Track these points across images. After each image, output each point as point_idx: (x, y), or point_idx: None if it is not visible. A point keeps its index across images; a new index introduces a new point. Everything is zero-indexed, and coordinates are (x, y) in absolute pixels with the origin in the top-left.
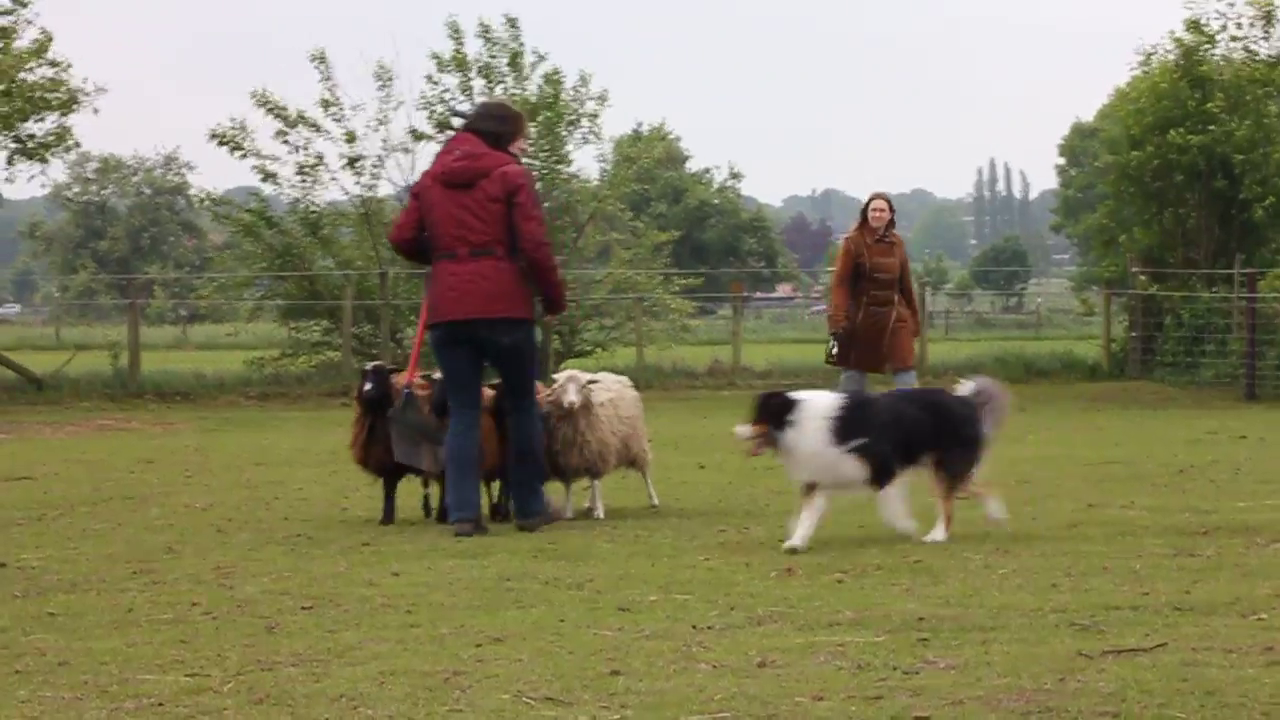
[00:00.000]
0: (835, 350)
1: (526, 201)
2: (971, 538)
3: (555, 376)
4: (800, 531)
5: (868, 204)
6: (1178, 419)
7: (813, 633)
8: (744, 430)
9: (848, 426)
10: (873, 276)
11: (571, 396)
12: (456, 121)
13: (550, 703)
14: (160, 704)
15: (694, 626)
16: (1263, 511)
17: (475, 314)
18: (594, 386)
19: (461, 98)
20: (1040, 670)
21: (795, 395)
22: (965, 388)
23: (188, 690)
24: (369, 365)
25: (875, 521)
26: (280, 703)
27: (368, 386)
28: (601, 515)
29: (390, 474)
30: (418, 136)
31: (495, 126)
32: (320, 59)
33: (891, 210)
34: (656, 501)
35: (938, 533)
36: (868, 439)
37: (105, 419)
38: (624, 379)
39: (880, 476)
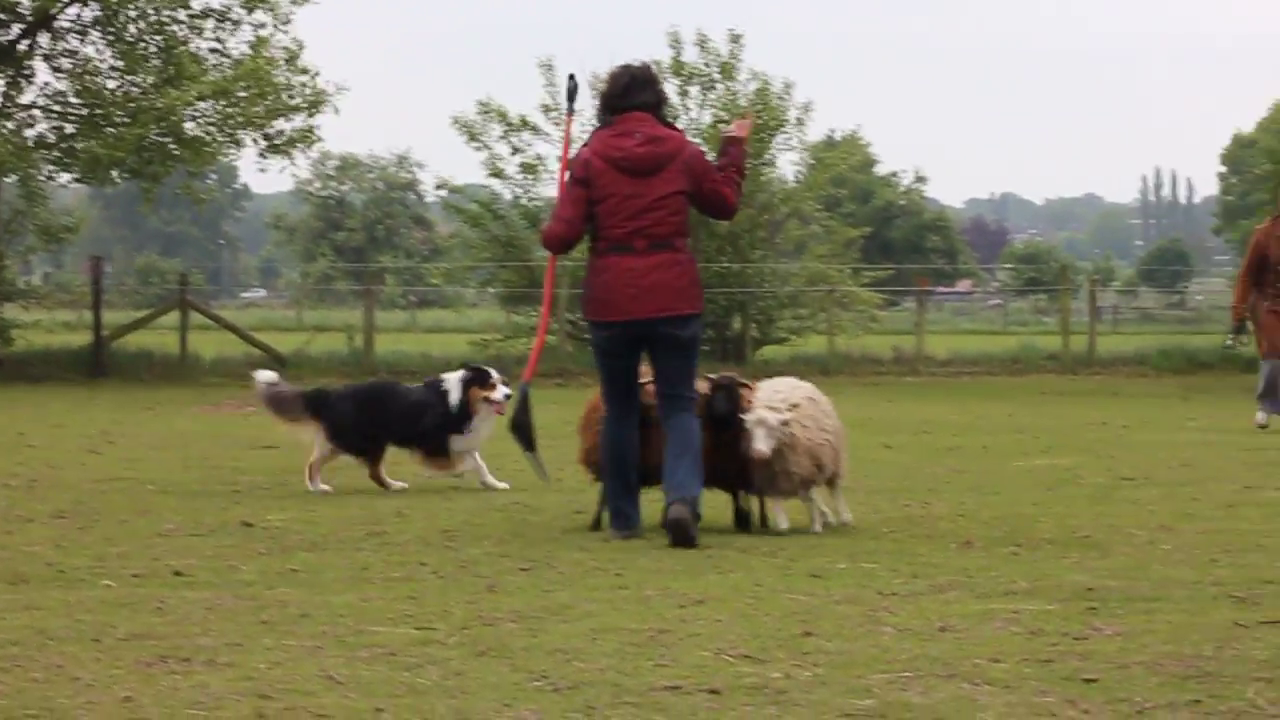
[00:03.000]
0: (1229, 342)
1: (716, 176)
2: (1136, 516)
3: (745, 418)
4: None
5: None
6: None
7: (989, 600)
8: None
9: None
10: (1277, 269)
11: (761, 445)
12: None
13: (748, 660)
14: (392, 654)
15: (879, 593)
16: None
17: (659, 311)
18: (789, 413)
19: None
20: (1200, 638)
21: None
22: None
23: (417, 642)
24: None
25: (1047, 498)
26: (501, 655)
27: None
28: (819, 529)
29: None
30: None
31: (658, 98)
32: (547, 66)
33: None
34: (848, 518)
35: None
36: None
37: None
38: (811, 385)
39: None
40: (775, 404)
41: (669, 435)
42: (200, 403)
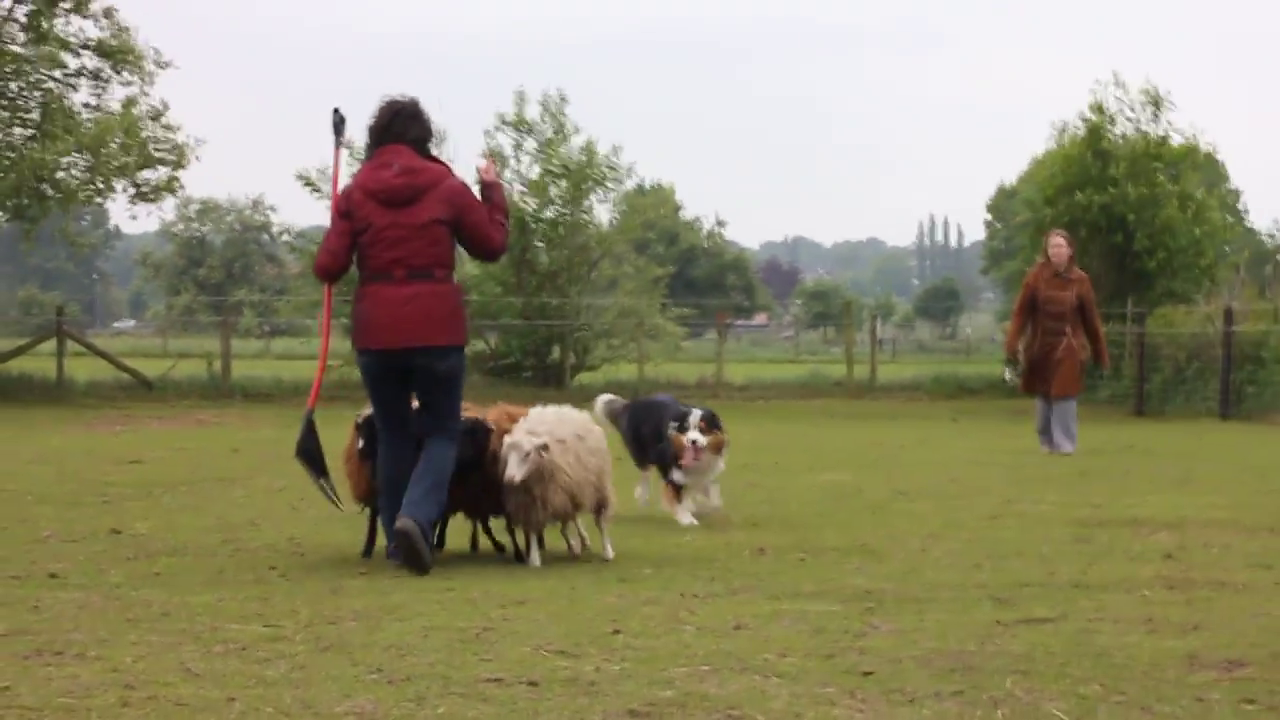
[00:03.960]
0: (1008, 375)
1: (481, 214)
2: (910, 525)
3: (503, 448)
4: None
5: (1047, 240)
6: (1080, 431)
7: (779, 602)
8: None
9: None
10: (1045, 309)
11: (513, 472)
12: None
13: (563, 655)
14: (244, 648)
15: (681, 594)
16: (1147, 507)
17: (413, 342)
18: (548, 442)
19: (510, 153)
20: (965, 635)
21: None
22: None
23: (266, 638)
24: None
25: (832, 509)
26: (342, 651)
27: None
28: (579, 551)
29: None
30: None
31: (421, 132)
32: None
33: (1071, 246)
34: (610, 554)
35: None
36: None
37: (202, 415)
38: (586, 416)
39: None
40: (536, 431)
41: (421, 458)
42: (75, 422)
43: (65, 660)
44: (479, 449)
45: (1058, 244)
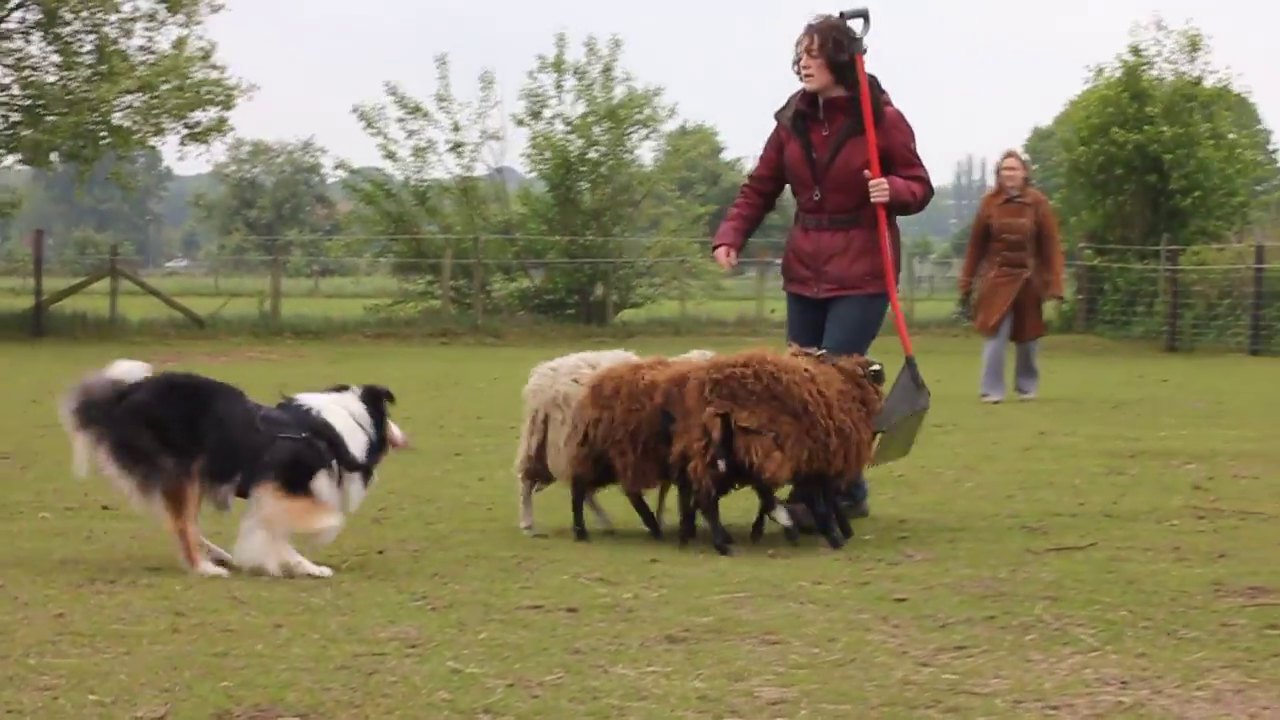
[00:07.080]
0: (958, 312)
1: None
2: (944, 458)
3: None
4: None
5: (1000, 162)
6: (1113, 365)
7: (813, 531)
8: None
9: None
10: (1000, 238)
11: None
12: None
13: (602, 582)
14: (290, 577)
15: None
16: (1177, 439)
17: None
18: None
19: (553, 93)
20: (996, 563)
21: None
22: None
23: None
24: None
25: None
26: (387, 578)
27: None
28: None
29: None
30: (519, 123)
31: None
32: (442, 61)
33: (1025, 169)
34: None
35: None
36: None
37: (252, 351)
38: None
39: None
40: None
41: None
42: (127, 359)
43: (118, 588)
44: None
45: (1009, 166)
